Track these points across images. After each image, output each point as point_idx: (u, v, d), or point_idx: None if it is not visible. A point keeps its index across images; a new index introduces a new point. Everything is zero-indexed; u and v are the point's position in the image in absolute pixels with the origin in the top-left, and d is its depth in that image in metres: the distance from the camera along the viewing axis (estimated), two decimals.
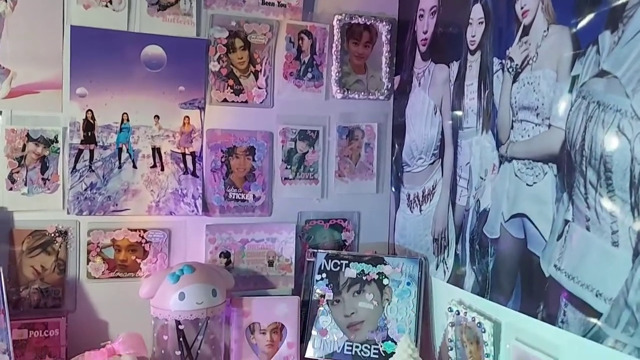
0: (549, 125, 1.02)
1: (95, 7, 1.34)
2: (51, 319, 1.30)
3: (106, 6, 1.35)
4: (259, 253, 1.54)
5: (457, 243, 1.31)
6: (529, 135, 1.08)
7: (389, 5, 1.60)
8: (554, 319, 0.99)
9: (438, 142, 1.41)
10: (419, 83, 1.50)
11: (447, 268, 1.36)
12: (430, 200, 1.43)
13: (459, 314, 1.25)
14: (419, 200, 1.49)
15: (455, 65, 1.32)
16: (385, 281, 1.46)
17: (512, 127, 1.12)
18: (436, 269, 1.40)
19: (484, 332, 1.16)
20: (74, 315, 1.37)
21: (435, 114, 1.42)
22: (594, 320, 0.91)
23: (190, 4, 1.41)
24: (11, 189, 1.32)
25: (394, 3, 1.60)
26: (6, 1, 1.27)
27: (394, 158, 1.63)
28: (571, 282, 0.96)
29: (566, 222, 0.98)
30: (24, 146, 1.32)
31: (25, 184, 1.33)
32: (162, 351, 1.34)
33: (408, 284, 1.44)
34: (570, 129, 0.97)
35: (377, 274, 1.47)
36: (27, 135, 1.32)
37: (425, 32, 1.46)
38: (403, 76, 1.58)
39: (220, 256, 1.50)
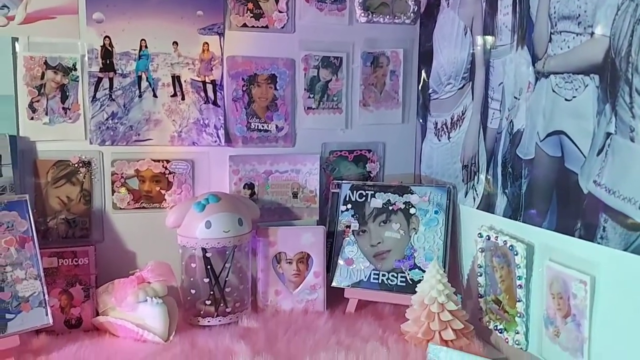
0: (592, 34, 0.96)
1: None
2: (80, 248, 1.30)
3: None
4: (283, 184, 1.52)
5: (488, 168, 1.27)
6: (568, 47, 1.01)
7: None
8: (593, 236, 0.96)
9: (468, 65, 1.34)
10: (448, 3, 1.42)
11: (476, 194, 1.32)
12: (460, 127, 1.39)
13: (489, 239, 1.23)
14: (447, 128, 1.45)
15: None
16: (412, 210, 1.43)
17: (550, 40, 1.06)
18: (465, 197, 1.37)
19: (516, 254, 1.14)
20: (102, 245, 1.37)
21: (465, 34, 1.35)
22: (636, 233, 0.88)
23: None
24: (32, 118, 1.30)
25: None
26: None
27: (420, 86, 1.58)
28: (612, 196, 0.92)
29: (608, 135, 0.93)
30: (43, 74, 1.30)
31: (47, 114, 1.31)
32: (191, 279, 1.35)
33: (436, 212, 1.41)
34: (615, 35, 0.91)
35: (403, 203, 1.44)
36: (45, 62, 1.30)
37: None
38: None
39: (244, 187, 1.49)
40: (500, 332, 1.21)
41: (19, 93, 1.28)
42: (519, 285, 1.14)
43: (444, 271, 1.26)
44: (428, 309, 1.22)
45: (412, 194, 1.44)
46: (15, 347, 1.11)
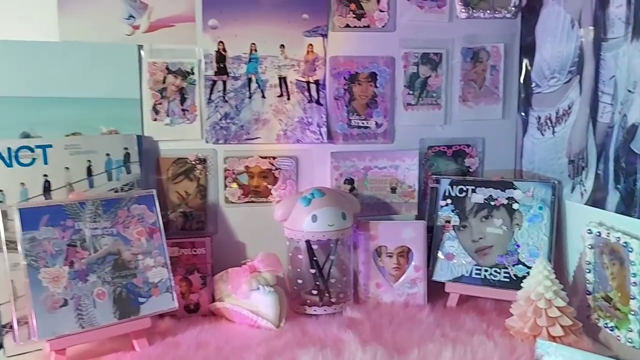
0: None
1: None
2: (198, 239, 1.41)
3: None
4: (382, 180, 1.56)
5: (598, 163, 1.25)
6: None
7: None
8: None
9: (576, 58, 1.32)
10: None
11: (584, 190, 1.30)
12: (566, 121, 1.36)
13: (599, 235, 1.20)
14: (551, 122, 1.43)
15: None
16: (515, 206, 1.42)
17: None
18: (571, 192, 1.35)
19: (631, 251, 1.11)
20: (216, 236, 1.47)
21: (572, 27, 1.33)
22: None
23: None
24: (155, 119, 1.42)
25: None
26: None
27: (521, 80, 1.56)
28: None
29: None
30: (164, 79, 1.41)
31: (168, 115, 1.42)
32: (297, 270, 1.42)
33: (540, 208, 1.40)
34: None
35: (506, 199, 1.44)
36: (167, 67, 1.40)
37: None
38: None
39: (344, 182, 1.54)
40: (611, 330, 1.19)
41: (144, 97, 1.40)
42: (634, 282, 1.12)
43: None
44: (535, 304, 1.22)
45: (515, 189, 1.44)
46: (146, 328, 1.22)
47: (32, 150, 1.24)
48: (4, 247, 1.14)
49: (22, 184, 1.23)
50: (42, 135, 1.32)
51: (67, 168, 1.28)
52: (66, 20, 1.31)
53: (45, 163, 1.26)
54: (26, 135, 1.31)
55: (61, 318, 1.12)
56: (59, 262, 1.14)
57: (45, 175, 1.26)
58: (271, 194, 1.51)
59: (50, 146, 1.26)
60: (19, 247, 1.11)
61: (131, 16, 1.35)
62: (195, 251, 1.40)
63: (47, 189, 1.26)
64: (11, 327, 1.19)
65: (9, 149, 1.22)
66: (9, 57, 1.31)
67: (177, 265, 1.37)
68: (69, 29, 1.31)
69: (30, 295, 1.10)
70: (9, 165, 1.22)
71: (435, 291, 1.46)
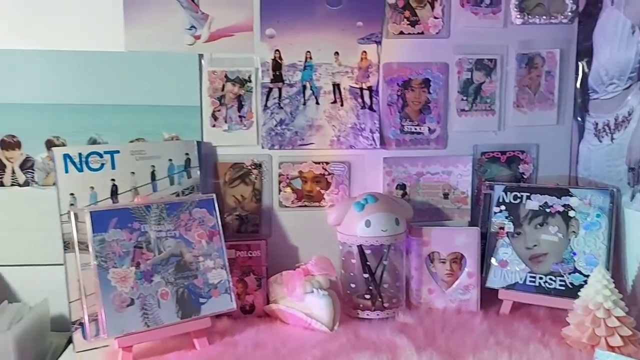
0: None
1: None
2: (253, 242, 1.44)
3: None
4: (434, 186, 1.56)
5: None
6: None
7: None
8: None
9: (636, 65, 1.29)
10: (612, 2, 1.38)
11: None
12: (625, 128, 1.34)
13: None
14: (609, 129, 1.40)
15: None
16: (571, 213, 1.41)
17: None
18: (631, 200, 1.32)
19: None
20: (270, 239, 1.51)
21: (632, 33, 1.30)
22: None
23: None
24: (214, 125, 1.47)
25: None
26: None
27: (578, 85, 1.54)
28: None
29: None
30: (223, 86, 1.45)
31: (226, 121, 1.47)
32: (350, 274, 1.44)
33: (598, 216, 1.37)
34: None
35: (562, 206, 1.42)
36: (225, 76, 1.45)
37: None
38: None
39: (396, 188, 1.55)
40: None
41: (204, 104, 1.45)
42: None
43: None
44: (593, 314, 1.21)
45: (571, 196, 1.42)
46: (206, 328, 1.27)
47: (101, 155, 1.31)
48: (76, 248, 1.20)
49: (92, 187, 1.30)
50: (108, 140, 1.39)
51: (133, 173, 1.34)
52: (132, 32, 1.38)
53: (113, 168, 1.32)
54: (93, 141, 1.39)
55: (128, 317, 1.17)
56: (126, 263, 1.20)
57: (113, 180, 1.32)
58: (324, 198, 1.54)
59: (117, 152, 1.33)
60: (90, 248, 1.17)
61: (193, 27, 1.40)
62: (250, 253, 1.44)
63: (114, 192, 1.32)
64: (80, 323, 1.26)
65: (80, 154, 1.29)
66: (77, 67, 1.38)
67: (233, 267, 1.41)
68: (134, 40, 1.38)
69: (100, 294, 1.16)
70: (80, 170, 1.29)
71: (488, 298, 1.45)
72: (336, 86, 1.50)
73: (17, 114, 1.36)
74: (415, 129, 1.54)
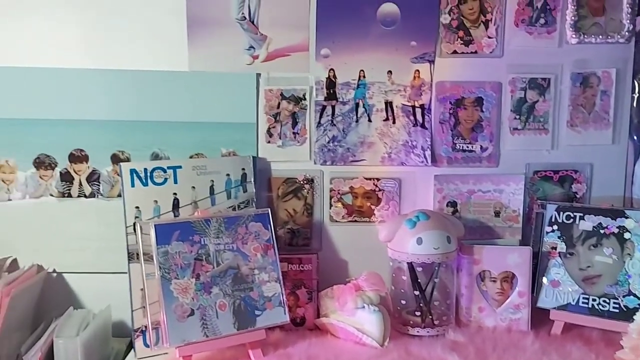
0: None
1: None
2: (305, 255, 1.48)
3: None
4: (486, 204, 1.56)
5: None
6: None
7: None
8: None
9: None
10: None
11: None
12: None
13: None
14: None
15: None
16: (626, 235, 1.39)
17: None
18: None
19: None
20: (320, 253, 1.54)
21: None
22: None
23: None
24: (269, 142, 1.51)
25: None
26: None
27: (634, 105, 1.52)
28: None
29: None
30: (278, 104, 1.50)
31: (280, 138, 1.51)
32: (401, 290, 1.45)
33: None
34: None
35: (617, 227, 1.40)
36: (281, 94, 1.49)
37: None
38: None
39: (447, 205, 1.56)
40: None
41: (260, 121, 1.50)
42: None
43: None
44: None
45: (626, 218, 1.40)
46: (262, 339, 1.30)
47: (165, 171, 1.37)
48: (142, 258, 1.26)
49: (155, 201, 1.36)
50: (169, 155, 1.46)
51: (194, 187, 1.40)
52: (195, 52, 1.43)
53: (175, 182, 1.38)
54: (156, 156, 1.45)
55: (189, 327, 1.22)
56: (187, 275, 1.25)
57: (175, 194, 1.38)
58: (374, 214, 1.56)
59: (180, 167, 1.38)
60: (154, 260, 1.23)
61: (252, 47, 1.45)
62: (302, 267, 1.47)
63: (176, 205, 1.38)
64: (142, 331, 1.31)
65: (145, 169, 1.35)
66: (142, 85, 1.45)
67: (285, 279, 1.44)
68: (197, 60, 1.44)
69: (163, 304, 1.21)
70: (145, 184, 1.35)
71: (538, 318, 1.45)
72: (388, 104, 1.52)
73: (86, 129, 1.44)
74: (467, 146, 1.55)
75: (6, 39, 1.42)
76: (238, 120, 1.49)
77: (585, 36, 1.49)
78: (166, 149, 1.45)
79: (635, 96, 1.52)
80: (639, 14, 1.48)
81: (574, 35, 1.48)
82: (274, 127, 1.51)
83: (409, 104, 1.53)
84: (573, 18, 1.47)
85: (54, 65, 1.43)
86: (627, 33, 1.49)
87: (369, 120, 1.53)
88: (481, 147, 1.55)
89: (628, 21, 1.48)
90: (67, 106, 1.43)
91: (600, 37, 1.49)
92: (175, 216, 1.36)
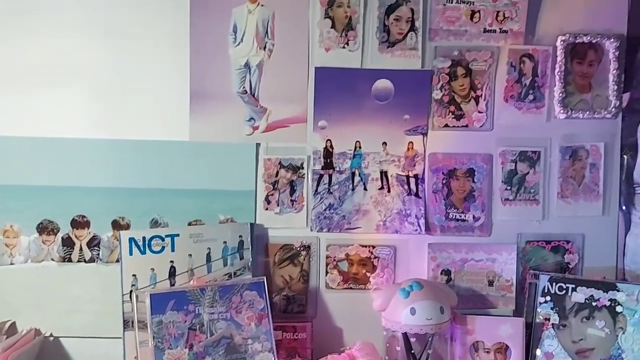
0: None
1: (334, 49, 1.52)
2: (300, 323, 1.49)
3: (343, 48, 1.52)
4: (479, 273, 1.58)
5: None
6: None
7: (617, 22, 1.53)
8: None
9: None
10: None
11: None
12: None
13: None
14: None
15: None
16: (618, 309, 1.40)
17: None
18: None
19: None
20: (315, 320, 1.55)
21: None
22: None
23: (415, 39, 1.52)
24: (267, 209, 1.54)
25: (622, 19, 1.54)
26: (264, 50, 1.51)
27: (623, 178, 1.56)
28: None
29: None
30: (277, 172, 1.54)
31: (278, 205, 1.55)
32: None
33: None
34: None
35: (609, 300, 1.42)
36: (280, 163, 1.54)
37: None
38: (634, 94, 1.51)
39: (441, 273, 1.58)
40: None
41: (258, 188, 1.54)
42: None
43: None
44: None
45: (618, 291, 1.41)
46: None
47: (162, 239, 1.41)
48: (136, 327, 1.28)
49: (152, 269, 1.39)
50: (168, 222, 1.49)
51: (190, 255, 1.43)
52: (196, 123, 1.49)
53: (173, 250, 1.41)
54: (155, 222, 1.49)
55: None
56: (181, 345, 1.26)
57: (172, 262, 1.41)
58: (369, 281, 1.58)
59: (177, 235, 1.42)
60: (149, 330, 1.25)
61: (252, 118, 1.51)
62: (296, 335, 1.48)
63: (172, 273, 1.41)
64: None
65: (144, 237, 1.39)
66: (143, 154, 1.50)
67: (279, 348, 1.45)
68: (198, 131, 1.49)
69: None
70: (143, 252, 1.39)
71: None
72: (383, 173, 1.57)
73: (88, 196, 1.48)
74: (460, 216, 1.59)
75: (13, 110, 1.49)
76: (237, 188, 1.53)
77: (573, 112, 1.54)
78: (165, 215, 1.49)
79: (624, 170, 1.56)
80: (625, 90, 1.55)
81: (562, 111, 1.54)
82: (272, 195, 1.55)
83: (403, 173, 1.57)
84: (561, 94, 1.54)
85: (59, 136, 1.49)
86: (613, 109, 1.55)
87: (365, 189, 1.57)
88: (473, 216, 1.58)
89: (614, 97, 1.54)
90: (71, 174, 1.49)
91: (588, 112, 1.55)
92: (171, 284, 1.39)
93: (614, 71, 1.53)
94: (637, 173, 1.49)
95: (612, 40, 1.52)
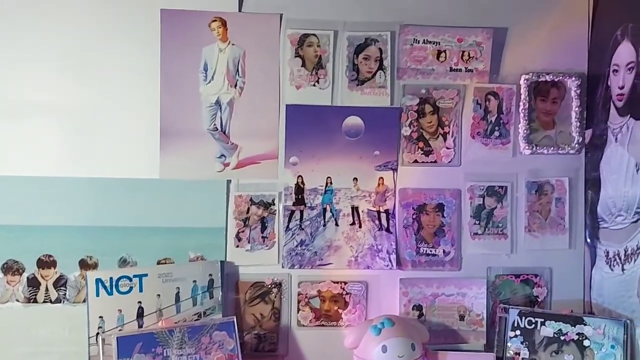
0: None
1: (305, 87, 1.54)
2: None
3: (314, 85, 1.54)
4: (450, 307, 1.59)
5: None
6: None
7: (578, 61, 1.59)
8: None
9: None
10: (616, 138, 1.46)
11: None
12: (635, 261, 1.38)
13: None
14: (620, 259, 1.44)
15: None
16: (586, 342, 1.42)
17: None
18: None
19: None
20: (287, 359, 1.54)
21: (637, 171, 1.38)
22: None
23: (384, 77, 1.55)
24: (237, 246, 1.54)
25: (583, 58, 1.60)
26: (235, 88, 1.52)
27: (587, 212, 1.59)
28: None
29: None
30: (248, 209, 1.54)
31: (249, 242, 1.54)
32: None
33: (612, 347, 1.39)
34: None
35: (576, 334, 1.43)
36: (251, 199, 1.54)
37: (621, 88, 1.43)
38: (595, 130, 1.55)
39: (412, 309, 1.58)
40: None
41: (229, 226, 1.53)
42: None
43: None
44: None
45: (585, 325, 1.44)
46: None
47: (130, 279, 1.38)
48: None
49: (120, 310, 1.36)
50: (137, 260, 1.47)
51: (159, 295, 1.41)
52: (166, 160, 1.49)
53: (141, 291, 1.39)
54: (123, 261, 1.46)
55: None
56: None
57: (140, 302, 1.39)
58: (342, 317, 1.57)
59: (146, 275, 1.40)
60: None
61: (223, 155, 1.51)
62: None
63: (140, 314, 1.38)
64: None
65: (111, 278, 1.37)
66: (112, 193, 1.48)
67: None
68: (168, 168, 1.49)
69: None
70: (110, 293, 1.36)
71: None
72: (355, 209, 1.58)
73: (55, 235, 1.45)
74: (431, 250, 1.60)
75: None
76: (207, 225, 1.52)
77: (538, 147, 1.59)
78: (134, 254, 1.47)
79: (589, 205, 1.59)
80: (587, 127, 1.60)
81: (527, 147, 1.58)
82: (242, 232, 1.54)
83: (374, 209, 1.59)
84: (525, 131, 1.58)
85: (25, 174, 1.47)
86: (576, 145, 1.59)
87: (336, 225, 1.57)
88: (444, 251, 1.60)
89: (577, 134, 1.59)
90: (38, 212, 1.46)
91: (552, 148, 1.59)
92: (139, 325, 1.36)
93: (576, 108, 1.58)
94: (601, 208, 1.53)
95: (574, 78, 1.57)
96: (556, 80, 1.58)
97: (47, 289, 1.45)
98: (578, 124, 1.59)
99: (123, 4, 1.49)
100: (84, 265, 1.45)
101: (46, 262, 1.45)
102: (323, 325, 1.57)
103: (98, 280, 1.35)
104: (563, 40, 1.60)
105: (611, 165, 1.49)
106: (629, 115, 1.41)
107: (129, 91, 1.50)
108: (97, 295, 1.35)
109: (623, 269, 1.43)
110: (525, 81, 1.57)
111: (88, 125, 1.49)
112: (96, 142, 1.49)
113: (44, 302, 1.45)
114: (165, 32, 1.49)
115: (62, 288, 1.45)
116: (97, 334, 1.31)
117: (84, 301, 1.41)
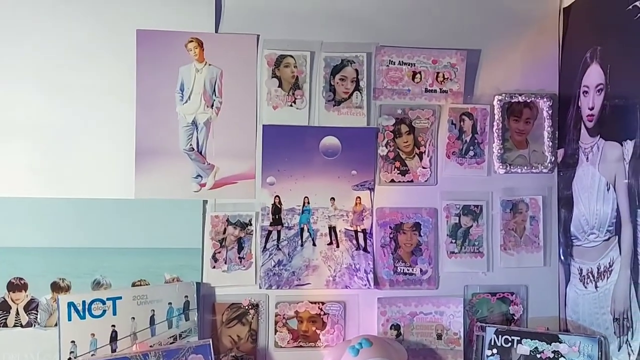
0: None
1: (282, 107, 1.55)
2: None
3: (290, 106, 1.55)
4: (428, 326, 1.59)
5: None
6: None
7: (549, 82, 1.63)
8: None
9: (613, 219, 1.38)
10: (587, 158, 1.49)
11: (631, 351, 1.31)
12: (608, 278, 1.40)
13: None
14: (593, 277, 1.46)
15: (629, 144, 1.31)
16: None
17: None
18: (618, 350, 1.36)
19: None
20: None
21: (607, 190, 1.41)
22: None
23: (361, 98, 1.57)
24: (214, 267, 1.52)
25: (554, 80, 1.63)
26: (212, 108, 1.52)
27: (561, 230, 1.62)
28: None
29: None
30: (225, 230, 1.53)
31: (225, 263, 1.53)
32: None
33: None
34: None
35: (552, 352, 1.45)
36: (227, 220, 1.53)
37: (591, 109, 1.47)
38: (567, 150, 1.59)
39: (390, 328, 1.58)
40: None
41: (205, 246, 1.52)
42: None
43: None
44: None
45: (560, 342, 1.45)
46: None
47: (104, 302, 1.36)
48: None
49: (92, 334, 1.33)
50: (111, 282, 1.45)
51: (133, 318, 1.38)
52: (142, 181, 1.48)
53: (115, 314, 1.36)
54: (97, 282, 1.44)
55: None
56: None
57: (113, 326, 1.36)
58: (319, 338, 1.56)
59: (120, 298, 1.38)
60: None
61: (199, 175, 1.51)
62: None
63: (113, 338, 1.35)
64: None
65: (83, 302, 1.34)
66: (85, 213, 1.46)
67: None
68: (143, 188, 1.48)
69: None
70: (82, 317, 1.33)
71: None
72: (332, 229, 1.58)
73: (27, 257, 1.42)
74: (408, 269, 1.60)
75: None
76: (183, 246, 1.50)
77: (512, 167, 1.61)
78: (108, 275, 1.45)
79: (562, 223, 1.62)
80: (559, 146, 1.63)
81: (501, 166, 1.60)
82: (219, 252, 1.53)
83: (352, 228, 1.59)
84: (499, 151, 1.60)
85: None
86: (549, 164, 1.62)
87: (314, 245, 1.57)
88: (421, 270, 1.60)
89: (549, 153, 1.62)
90: (9, 234, 1.43)
91: (525, 167, 1.62)
92: (112, 350, 1.33)
93: (548, 128, 1.62)
94: (574, 226, 1.55)
95: (545, 99, 1.61)
96: (528, 100, 1.61)
97: (17, 313, 1.42)
98: (550, 143, 1.62)
99: (99, 24, 1.49)
100: (56, 287, 1.42)
101: (17, 285, 1.42)
102: (301, 346, 1.55)
103: (70, 304, 1.32)
104: (535, 62, 1.64)
105: (583, 184, 1.51)
106: (598, 136, 1.44)
107: (104, 111, 1.49)
108: (69, 319, 1.32)
109: (596, 287, 1.45)
110: (498, 102, 1.60)
111: (62, 144, 1.47)
112: (71, 162, 1.47)
113: (14, 326, 1.42)
114: (142, 53, 1.49)
115: (33, 312, 1.42)
116: (69, 359, 1.27)
117: (56, 325, 1.37)
